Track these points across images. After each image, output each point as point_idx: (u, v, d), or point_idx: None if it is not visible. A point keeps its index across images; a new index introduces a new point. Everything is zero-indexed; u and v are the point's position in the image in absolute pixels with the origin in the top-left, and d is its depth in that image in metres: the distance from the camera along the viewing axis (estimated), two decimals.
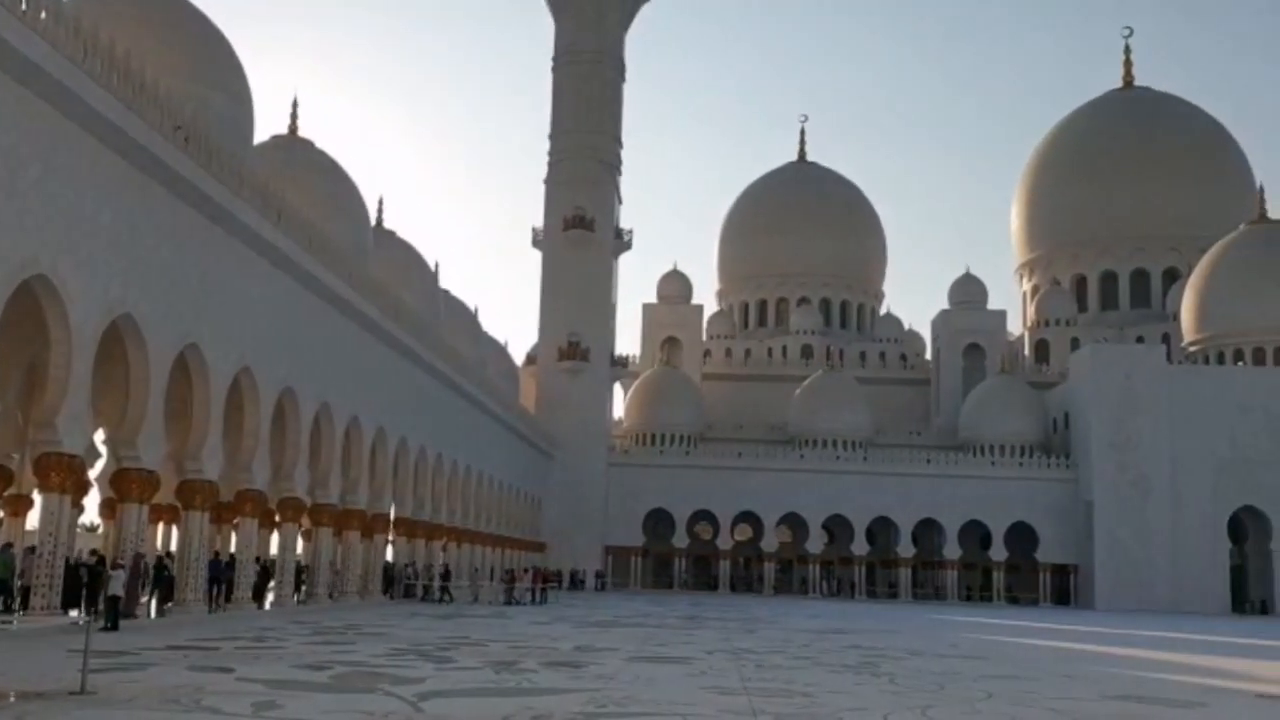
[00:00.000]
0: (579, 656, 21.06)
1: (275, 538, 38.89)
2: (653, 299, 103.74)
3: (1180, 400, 77.52)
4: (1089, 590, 76.74)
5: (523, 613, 40.45)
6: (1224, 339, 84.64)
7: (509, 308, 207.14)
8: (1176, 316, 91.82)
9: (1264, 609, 74.42)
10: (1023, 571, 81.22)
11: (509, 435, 67.70)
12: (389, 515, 46.51)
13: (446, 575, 48.76)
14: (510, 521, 68.03)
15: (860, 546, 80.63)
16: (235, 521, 36.73)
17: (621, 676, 17.34)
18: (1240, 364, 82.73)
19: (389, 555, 48.63)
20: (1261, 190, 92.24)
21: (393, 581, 47.19)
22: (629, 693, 15.11)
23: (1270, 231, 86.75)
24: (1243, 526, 78.46)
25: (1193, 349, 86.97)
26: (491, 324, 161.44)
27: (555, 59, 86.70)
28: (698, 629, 32.97)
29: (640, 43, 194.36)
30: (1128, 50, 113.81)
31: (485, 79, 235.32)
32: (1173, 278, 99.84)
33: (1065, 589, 79.84)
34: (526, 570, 59.37)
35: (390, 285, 45.18)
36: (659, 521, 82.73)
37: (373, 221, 52.05)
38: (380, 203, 58.82)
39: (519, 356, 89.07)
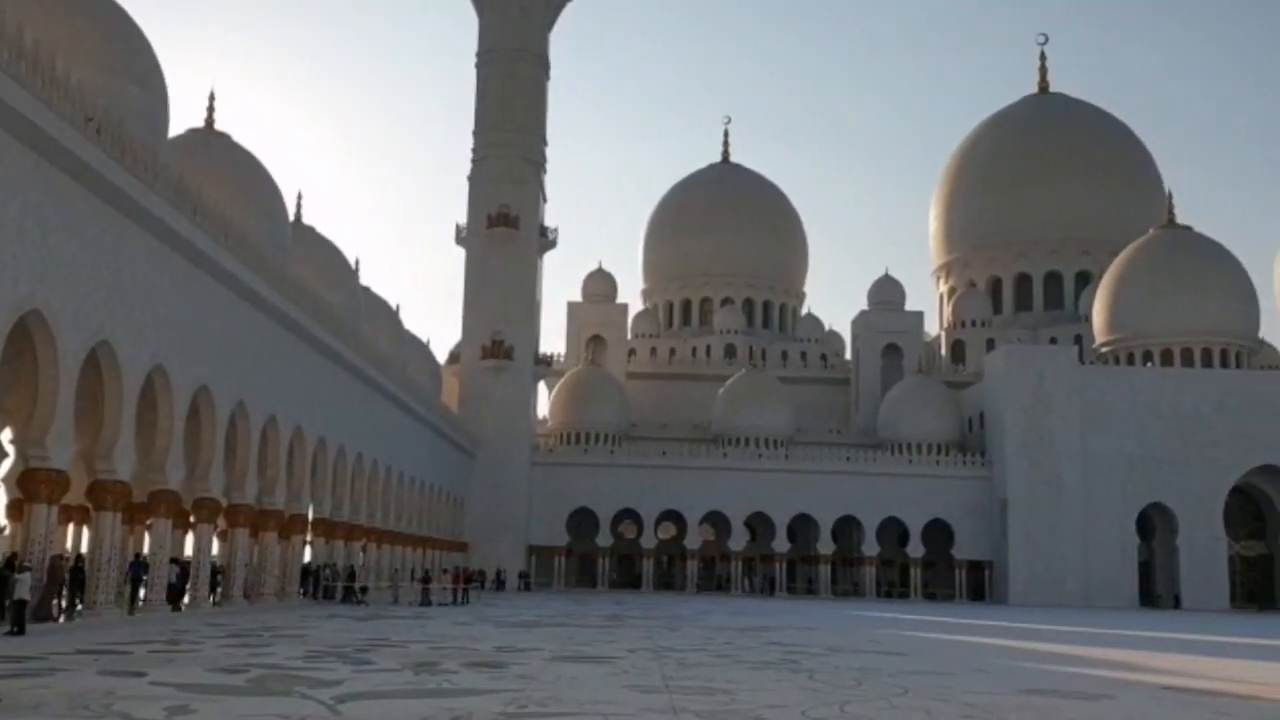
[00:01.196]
0: (500, 657, 20.98)
1: (190, 539, 38.09)
2: (578, 298, 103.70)
3: (1091, 400, 79.52)
4: (1003, 586, 78.38)
5: (444, 614, 40.15)
6: (1134, 341, 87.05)
7: (432, 306, 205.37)
8: (1088, 318, 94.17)
9: (1176, 603, 76.53)
10: (939, 568, 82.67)
11: (431, 434, 67.13)
12: (307, 516, 45.84)
13: (352, 576, 47.79)
14: (431, 522, 67.46)
15: (781, 544, 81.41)
16: (148, 522, 35.91)
17: (543, 676, 17.32)
18: (1149, 365, 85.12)
19: (307, 556, 47.92)
20: (1170, 196, 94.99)
21: (313, 584, 46.51)
22: (551, 693, 15.11)
23: (1178, 236, 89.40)
24: (1151, 523, 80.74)
25: (1104, 350, 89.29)
26: (414, 322, 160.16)
27: (479, 55, 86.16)
28: (620, 628, 33.02)
29: (566, 42, 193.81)
30: (1043, 57, 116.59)
31: (408, 75, 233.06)
32: (1085, 280, 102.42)
33: (980, 585, 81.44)
34: (446, 570, 58.90)
35: (309, 282, 44.53)
36: (583, 521, 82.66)
37: (292, 217, 51.25)
38: (299, 198, 57.98)
39: (442, 355, 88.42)
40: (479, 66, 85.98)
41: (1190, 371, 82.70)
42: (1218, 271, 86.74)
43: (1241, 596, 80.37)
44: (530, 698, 14.40)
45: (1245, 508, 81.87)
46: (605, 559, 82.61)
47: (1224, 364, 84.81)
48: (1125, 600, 76.74)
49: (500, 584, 73.13)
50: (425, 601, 47.63)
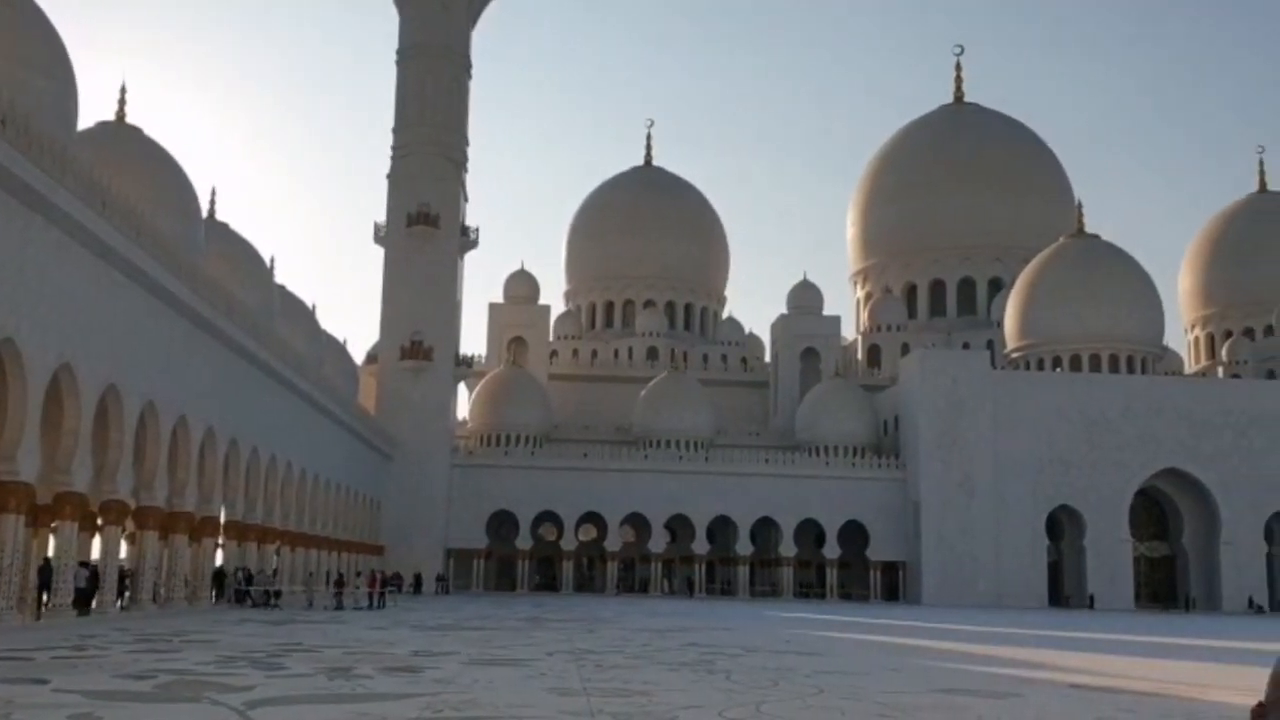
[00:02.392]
0: (417, 661, 20.77)
1: (97, 542, 37.08)
2: (499, 299, 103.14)
3: (1003, 404, 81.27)
4: (917, 586, 79.71)
5: (359, 618, 39.62)
6: (1043, 346, 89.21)
7: (349, 305, 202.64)
8: (1000, 324, 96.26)
9: (1091, 603, 78.42)
10: (855, 568, 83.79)
11: (346, 435, 66.23)
12: (219, 518, 44.91)
13: (249, 579, 46.50)
14: (347, 524, 66.54)
15: (701, 545, 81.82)
16: (54, 525, 34.87)
17: (460, 680, 17.19)
18: (1058, 370, 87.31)
19: (219, 560, 46.94)
20: (1080, 205, 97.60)
21: (224, 587, 45.57)
22: (468, 696, 15.00)
23: (1087, 245, 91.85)
24: (1059, 524, 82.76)
25: (1015, 355, 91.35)
26: (331, 322, 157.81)
27: (400, 52, 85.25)
28: (539, 630, 32.92)
29: (489, 41, 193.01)
30: (959, 67, 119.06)
31: (327, 70, 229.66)
32: (997, 287, 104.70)
33: (894, 585, 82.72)
34: (360, 573, 58.14)
35: (223, 280, 43.65)
36: (503, 523, 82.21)
37: (205, 214, 50.21)
38: (214, 194, 56.80)
39: (359, 355, 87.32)
40: (399, 63, 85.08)
41: (1098, 377, 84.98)
42: (1124, 279, 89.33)
43: (1146, 596, 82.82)
44: (446, 702, 14.28)
45: (1150, 510, 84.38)
46: (525, 561, 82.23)
47: (1130, 369, 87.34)
48: (1035, 600, 78.51)
49: (418, 587, 72.38)
50: (339, 605, 46.93)
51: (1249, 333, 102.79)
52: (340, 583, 49.84)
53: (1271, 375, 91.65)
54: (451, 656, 21.97)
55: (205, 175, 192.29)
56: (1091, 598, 78.75)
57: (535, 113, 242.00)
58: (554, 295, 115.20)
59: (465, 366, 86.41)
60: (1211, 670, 24.95)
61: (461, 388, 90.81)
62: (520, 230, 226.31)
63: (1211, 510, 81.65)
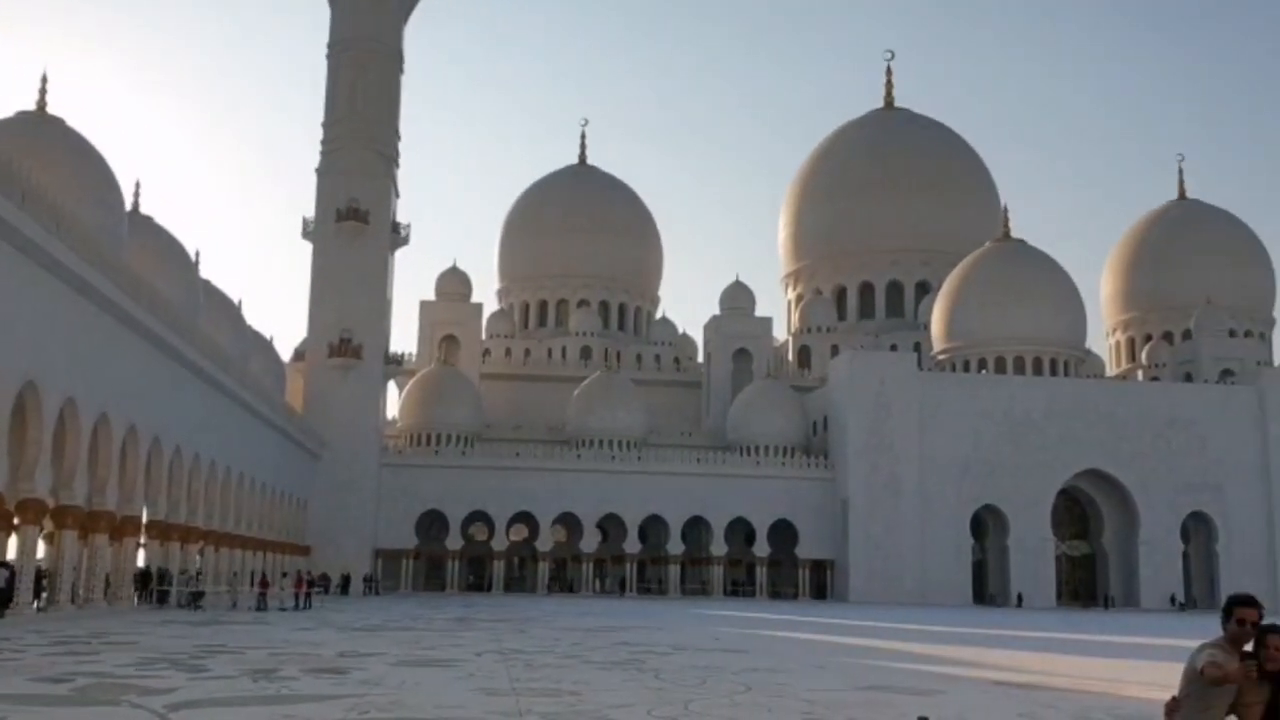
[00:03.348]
0: (343, 662, 20.52)
1: (13, 541, 36.07)
2: (431, 296, 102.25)
3: (929, 405, 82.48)
4: (844, 584, 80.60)
5: (285, 619, 39.03)
6: (969, 348, 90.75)
7: (277, 301, 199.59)
8: (927, 326, 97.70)
9: (1019, 601, 79.81)
10: (784, 567, 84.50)
11: (273, 434, 65.20)
12: (141, 518, 43.95)
13: (161, 579, 45.22)
14: (272, 524, 65.52)
15: (633, 545, 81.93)
16: None
17: (387, 681, 17.01)
18: (983, 372, 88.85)
19: (141, 560, 45.93)
20: (1006, 210, 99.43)
21: (148, 588, 44.58)
22: (395, 697, 14.85)
23: (1013, 249, 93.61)
24: (983, 524, 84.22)
25: (941, 357, 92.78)
26: (257, 318, 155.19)
27: (330, 46, 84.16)
28: (468, 630, 32.71)
29: (422, 37, 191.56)
30: (889, 72, 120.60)
31: (257, 63, 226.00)
32: (925, 290, 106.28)
33: (823, 583, 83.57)
34: (286, 574, 57.29)
35: (145, 274, 42.72)
36: (433, 523, 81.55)
37: (129, 206, 49.09)
38: (137, 187, 55.54)
39: (286, 353, 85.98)
40: (330, 57, 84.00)
41: (1022, 379, 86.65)
42: (1048, 283, 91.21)
43: (1067, 594, 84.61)
44: (373, 703, 14.12)
45: (1071, 509, 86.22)
46: (455, 561, 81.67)
47: (1053, 372, 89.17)
48: (959, 598, 79.80)
49: (345, 588, 71.51)
50: (262, 606, 46.13)
51: (1168, 337, 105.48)
52: (264, 583, 49.02)
53: (1189, 378, 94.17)
54: (379, 657, 21.74)
55: (129, 167, 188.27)
56: (1020, 596, 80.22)
57: (469, 110, 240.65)
58: (487, 294, 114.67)
59: (395, 365, 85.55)
60: (1129, 667, 25.55)
61: (391, 386, 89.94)
62: (453, 228, 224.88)
63: (1131, 510, 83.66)
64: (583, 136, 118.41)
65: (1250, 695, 7.04)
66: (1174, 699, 7.29)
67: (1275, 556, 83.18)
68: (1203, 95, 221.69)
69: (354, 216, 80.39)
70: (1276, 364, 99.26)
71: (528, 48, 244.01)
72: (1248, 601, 7.22)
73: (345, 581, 72.00)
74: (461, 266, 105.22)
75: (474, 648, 25.07)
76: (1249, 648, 7.14)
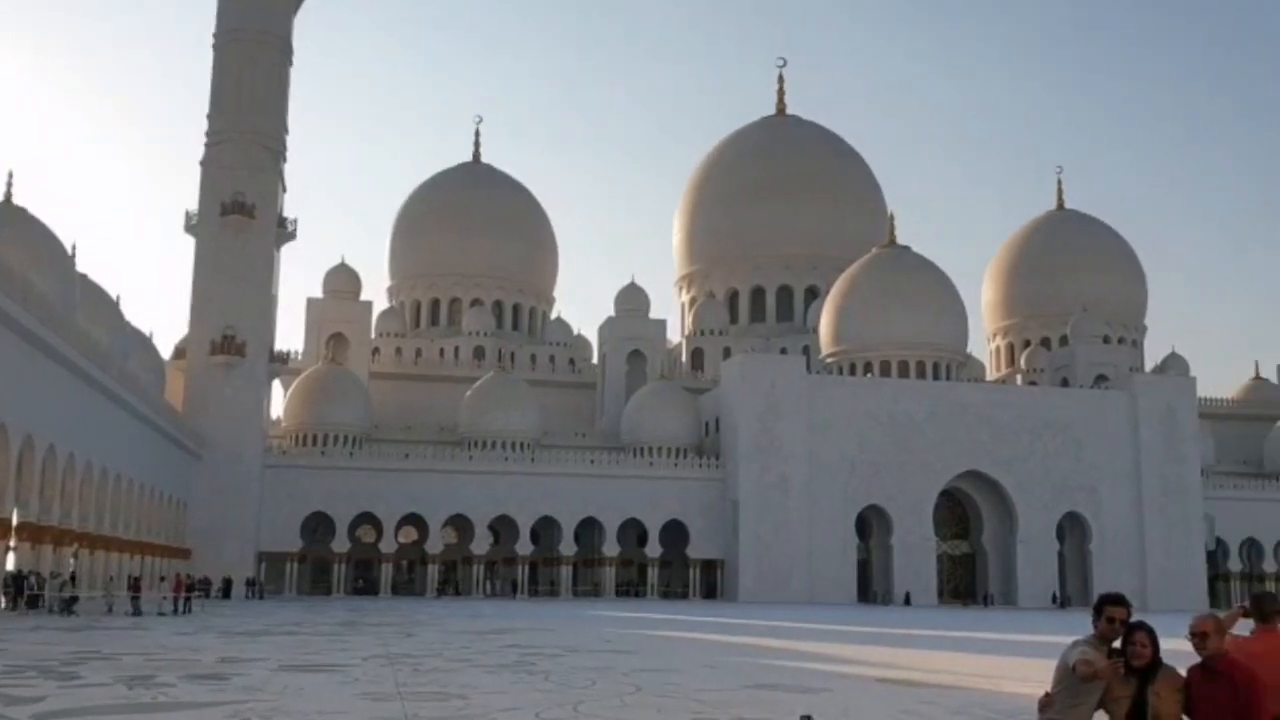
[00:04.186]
0: (223, 668, 19.99)
1: None
2: (319, 294, 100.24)
3: (817, 407, 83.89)
4: (734, 584, 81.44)
5: (163, 623, 37.87)
6: (856, 352, 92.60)
7: (157, 297, 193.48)
8: (816, 330, 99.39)
9: (907, 600, 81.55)
10: (675, 567, 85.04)
11: (152, 433, 63.13)
12: (11, 520, 42.14)
13: (29, 582, 43.32)
14: (150, 526, 63.47)
15: (525, 546, 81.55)
16: None
17: (269, 687, 16.62)
18: (869, 375, 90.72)
19: (11, 563, 44.01)
20: (892, 217, 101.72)
21: (18, 593, 42.70)
22: (276, 704, 14.51)
23: (898, 255, 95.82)
24: (868, 524, 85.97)
25: (830, 360, 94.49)
26: (136, 314, 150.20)
27: (217, 35, 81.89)
28: (354, 635, 32.15)
29: (313, 30, 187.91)
30: (781, 79, 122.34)
31: (140, 51, 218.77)
32: (814, 294, 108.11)
33: (713, 583, 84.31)
34: (164, 578, 55.56)
35: (18, 267, 40.99)
36: (319, 525, 79.95)
37: (1, 197, 47.08)
38: (10, 177, 53.30)
39: (167, 350, 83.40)
40: (216, 47, 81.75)
41: (906, 382, 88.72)
42: (932, 289, 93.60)
43: (948, 593, 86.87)
44: (254, 710, 13.79)
45: (952, 509, 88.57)
46: (342, 564, 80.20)
47: (936, 376, 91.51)
48: (845, 597, 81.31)
49: (226, 592, 69.65)
50: (136, 611, 44.59)
51: (1046, 343, 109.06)
52: (136, 586, 47.27)
53: (1065, 383, 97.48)
54: (260, 663, 21.23)
55: (2, 158, 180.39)
56: (908, 595, 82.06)
57: (360, 105, 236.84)
58: (377, 291, 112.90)
59: (280, 363, 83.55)
60: (1007, 663, 26.33)
61: (276, 385, 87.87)
62: (342, 224, 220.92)
63: (1009, 510, 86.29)
64: (477, 134, 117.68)
65: (1118, 690, 7.31)
66: (1047, 694, 7.53)
67: (1145, 556, 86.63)
68: (1083, 107, 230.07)
69: (239, 210, 78.36)
70: (1148, 370, 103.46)
71: (422, 43, 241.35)
72: (1117, 600, 7.50)
73: (227, 585, 70.11)
74: (351, 263, 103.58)
75: (360, 652, 24.66)
76: (1118, 644, 7.42)
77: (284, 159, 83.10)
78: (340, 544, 79.23)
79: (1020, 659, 27.05)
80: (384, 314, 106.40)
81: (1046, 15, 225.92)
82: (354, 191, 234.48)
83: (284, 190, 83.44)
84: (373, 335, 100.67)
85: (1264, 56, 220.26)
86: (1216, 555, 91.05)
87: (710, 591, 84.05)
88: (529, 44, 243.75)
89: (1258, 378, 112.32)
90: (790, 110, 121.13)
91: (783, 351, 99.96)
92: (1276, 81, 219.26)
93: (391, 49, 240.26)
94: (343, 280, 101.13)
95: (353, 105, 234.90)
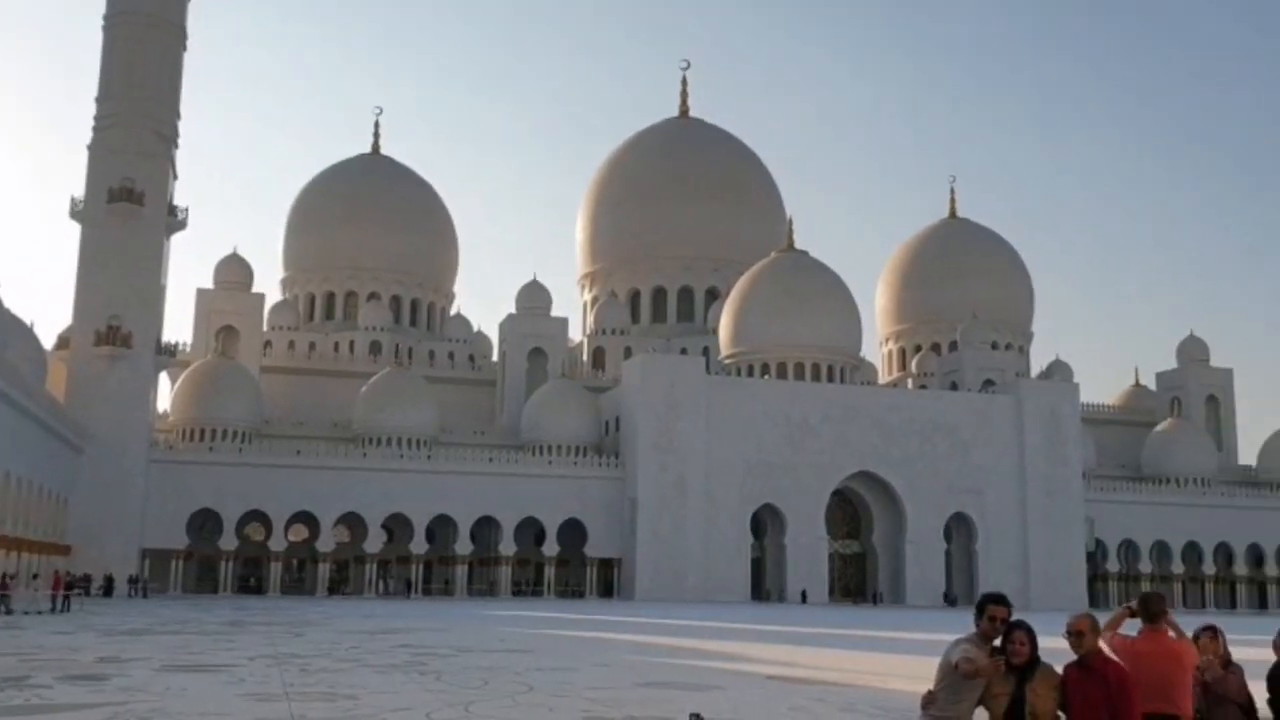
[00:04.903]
0: (102, 669, 19.37)
1: None
2: (209, 284, 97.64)
3: (716, 408, 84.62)
4: (631, 582, 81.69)
5: (39, 622, 36.54)
6: (754, 354, 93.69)
7: (39, 285, 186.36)
8: (716, 331, 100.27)
9: (804, 598, 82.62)
10: (573, 565, 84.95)
11: (30, 425, 60.76)
12: None
13: None
14: (27, 521, 61.07)
15: (419, 545, 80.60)
16: None
17: (150, 688, 16.16)
18: (767, 377, 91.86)
19: None
20: (791, 222, 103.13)
21: None
22: (157, 705, 14.12)
23: (796, 259, 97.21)
24: (763, 523, 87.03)
25: (729, 361, 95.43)
26: (17, 302, 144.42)
27: (107, 17, 79.22)
28: (240, 634, 31.43)
29: (210, 14, 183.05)
30: (684, 82, 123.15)
31: (24, 28, 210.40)
32: (714, 296, 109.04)
33: (610, 581, 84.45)
34: (36, 575, 53.57)
35: None
36: (206, 522, 77.89)
37: None
38: None
39: (49, 339, 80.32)
40: (107, 28, 79.09)
41: (802, 384, 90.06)
42: (828, 294, 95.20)
43: (839, 591, 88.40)
44: (133, 711, 13.39)
45: (844, 509, 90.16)
46: (229, 562, 78.28)
47: (830, 378, 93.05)
48: (739, 595, 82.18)
49: (108, 589, 67.45)
50: (7, 610, 42.91)
51: (936, 348, 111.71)
52: (3, 584, 45.51)
53: (954, 387, 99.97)
54: (141, 663, 20.62)
55: None
56: (804, 593, 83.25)
57: (257, 93, 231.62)
58: (270, 284, 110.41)
59: (168, 355, 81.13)
60: (895, 661, 26.90)
61: (164, 378, 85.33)
62: (236, 214, 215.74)
63: (898, 510, 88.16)
64: (376, 125, 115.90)
65: (998, 687, 7.53)
66: (930, 692, 7.72)
67: (1028, 556, 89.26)
68: (977, 117, 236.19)
69: (127, 197, 75.92)
70: (1034, 376, 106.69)
71: (322, 32, 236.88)
72: (998, 600, 7.72)
73: (108, 583, 67.91)
74: (243, 254, 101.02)
75: (246, 652, 24.13)
76: (999, 642, 7.64)
77: (176, 145, 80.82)
78: (228, 541, 77.34)
79: (908, 656, 27.66)
80: (277, 306, 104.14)
81: (944, 26, 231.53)
82: (248, 181, 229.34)
83: (175, 178, 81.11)
84: (265, 328, 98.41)
85: (1153, 70, 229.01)
86: (1096, 556, 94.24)
87: (607, 590, 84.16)
88: (432, 36, 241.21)
89: (1137, 385, 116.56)
90: (693, 113, 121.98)
91: (683, 352, 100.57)
92: (1164, 95, 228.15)
93: (291, 37, 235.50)
94: (234, 271, 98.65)
95: (249, 93, 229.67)
